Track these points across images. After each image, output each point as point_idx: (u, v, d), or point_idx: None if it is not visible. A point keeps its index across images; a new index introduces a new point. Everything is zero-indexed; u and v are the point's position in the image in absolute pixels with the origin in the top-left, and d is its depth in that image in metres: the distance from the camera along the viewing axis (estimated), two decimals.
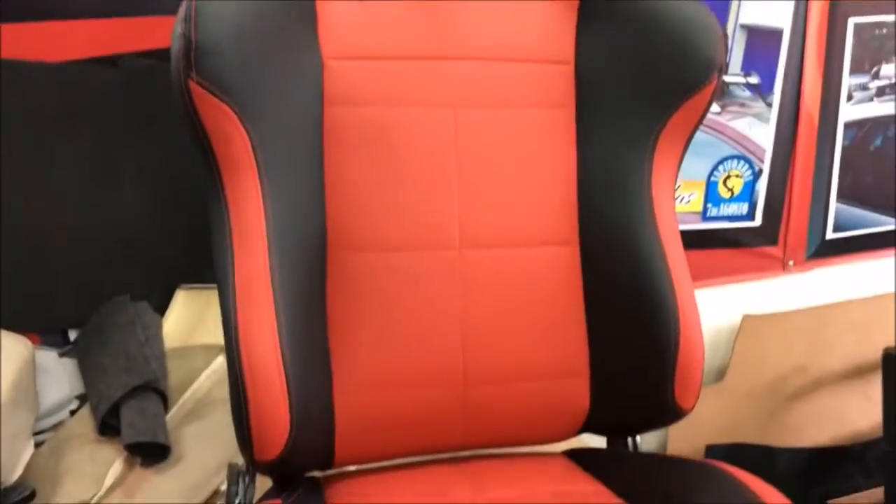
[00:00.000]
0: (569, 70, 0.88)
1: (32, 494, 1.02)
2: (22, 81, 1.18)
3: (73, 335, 1.27)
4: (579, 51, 0.87)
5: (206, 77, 0.69)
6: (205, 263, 1.27)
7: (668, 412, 0.84)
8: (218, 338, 1.25)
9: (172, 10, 1.17)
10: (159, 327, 1.23)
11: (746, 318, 1.51)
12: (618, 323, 0.86)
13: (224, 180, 0.73)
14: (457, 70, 0.85)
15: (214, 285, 1.27)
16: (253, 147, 0.73)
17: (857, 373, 1.57)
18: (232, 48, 0.70)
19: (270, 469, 0.77)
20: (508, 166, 0.86)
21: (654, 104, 0.84)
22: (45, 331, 1.25)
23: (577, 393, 0.88)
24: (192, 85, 0.69)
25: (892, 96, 1.54)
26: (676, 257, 0.84)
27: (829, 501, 1.44)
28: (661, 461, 0.97)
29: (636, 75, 0.85)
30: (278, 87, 0.75)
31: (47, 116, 1.20)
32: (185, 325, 1.29)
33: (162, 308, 1.29)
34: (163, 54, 1.17)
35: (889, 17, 1.49)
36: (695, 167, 1.45)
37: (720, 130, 1.45)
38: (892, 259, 1.62)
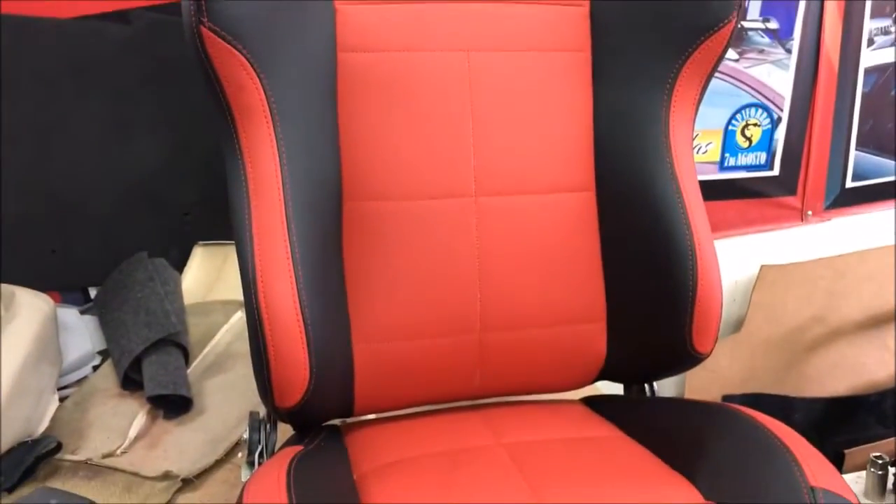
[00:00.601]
0: (584, 12, 0.86)
1: (58, 447, 1.04)
2: (32, 37, 1.17)
3: (93, 293, 1.29)
4: None
5: (218, 22, 0.68)
6: (221, 219, 1.29)
7: (685, 357, 0.83)
8: (236, 293, 1.27)
9: None
10: (178, 283, 1.24)
11: (764, 269, 1.50)
12: (635, 269, 0.86)
13: (238, 129, 0.73)
14: (469, 13, 0.83)
15: (231, 242, 1.29)
16: (266, 94, 0.72)
17: (875, 323, 1.56)
18: None
19: (291, 416, 0.78)
20: (523, 112, 0.85)
21: (671, 45, 0.82)
22: (65, 288, 1.27)
23: (594, 339, 0.88)
24: (204, 31, 0.68)
25: None
26: (694, 202, 0.83)
27: (846, 451, 1.45)
28: (677, 404, 0.97)
29: (653, 16, 0.83)
30: (290, 33, 0.74)
31: (59, 72, 1.20)
32: (203, 281, 1.30)
33: (180, 264, 1.30)
34: (173, 8, 1.18)
35: None
36: (712, 116, 1.43)
37: (738, 78, 1.43)
38: None
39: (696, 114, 0.87)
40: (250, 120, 0.73)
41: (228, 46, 0.69)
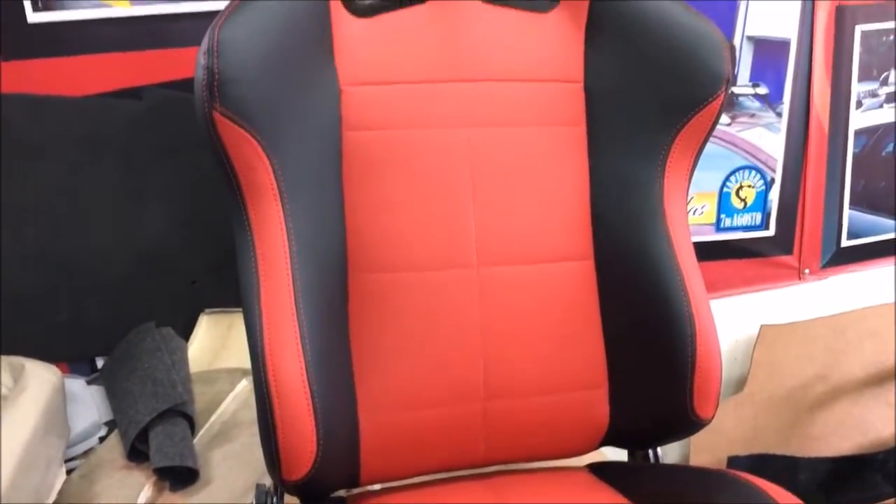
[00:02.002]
0: (578, 88, 0.90)
1: None
2: (48, 115, 1.21)
3: (99, 362, 1.30)
4: (588, 69, 0.89)
5: (229, 107, 0.71)
6: (227, 288, 1.31)
7: (687, 422, 0.84)
8: (241, 361, 1.28)
9: (192, 42, 1.21)
10: (185, 352, 1.25)
11: (764, 328, 1.52)
12: (634, 336, 0.88)
13: (248, 207, 0.75)
14: (469, 91, 0.87)
15: (237, 309, 1.30)
16: (275, 173, 0.75)
17: (878, 380, 1.57)
18: (254, 78, 0.72)
19: (298, 489, 0.79)
20: (523, 184, 0.87)
21: (663, 118, 0.85)
22: (73, 359, 1.28)
23: (597, 405, 0.89)
24: (216, 115, 0.71)
25: None
26: (691, 269, 0.85)
27: None
28: (681, 471, 0.97)
29: (644, 91, 0.86)
30: (298, 113, 0.77)
31: (73, 148, 1.24)
32: (209, 349, 1.31)
33: (186, 333, 1.31)
34: (184, 85, 1.22)
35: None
36: (707, 178, 1.46)
37: (731, 141, 1.46)
38: None
39: (689, 182, 0.90)
40: (260, 198, 0.75)
41: (240, 129, 0.72)
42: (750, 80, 1.45)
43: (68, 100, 1.21)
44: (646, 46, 0.85)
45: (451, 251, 0.85)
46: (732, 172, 1.49)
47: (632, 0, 0.85)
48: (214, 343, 1.33)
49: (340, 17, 0.83)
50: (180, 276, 1.32)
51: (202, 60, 0.71)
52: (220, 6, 1.19)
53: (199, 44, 1.17)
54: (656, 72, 0.85)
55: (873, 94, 1.53)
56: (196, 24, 1.21)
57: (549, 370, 0.87)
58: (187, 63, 1.19)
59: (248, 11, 0.73)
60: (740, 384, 1.54)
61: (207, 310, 1.34)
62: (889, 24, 1.49)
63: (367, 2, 0.84)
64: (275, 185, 0.75)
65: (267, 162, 0.74)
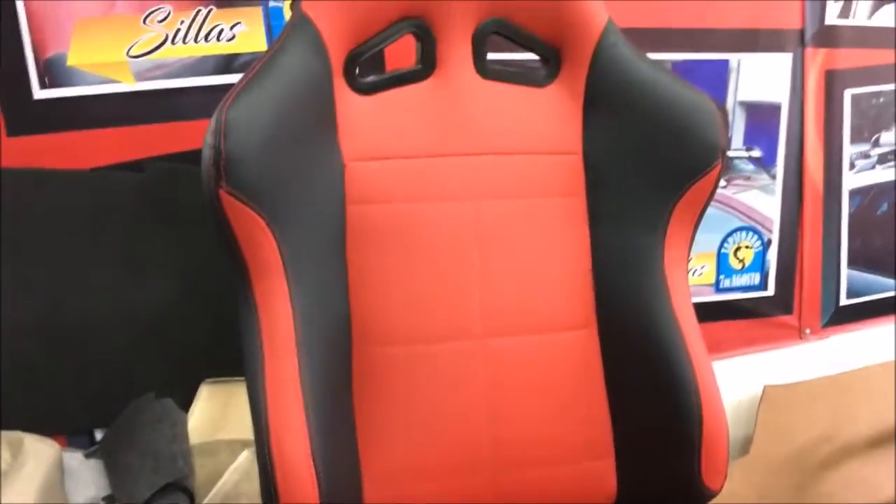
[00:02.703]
0: (577, 160, 0.91)
1: None
2: (52, 188, 1.23)
3: (97, 434, 1.28)
4: (586, 141, 0.91)
5: (236, 186, 0.72)
6: (227, 357, 1.31)
7: (696, 494, 0.83)
8: (242, 431, 1.27)
9: (194, 115, 1.24)
10: (185, 424, 1.24)
11: (768, 389, 1.51)
12: (639, 405, 0.87)
13: (253, 283, 0.76)
14: (470, 165, 0.88)
15: (237, 378, 1.30)
16: (280, 250, 0.75)
17: (884, 440, 1.55)
18: (260, 157, 0.73)
19: None
20: (526, 255, 0.88)
21: (661, 189, 0.87)
22: (72, 432, 1.27)
23: (604, 476, 0.88)
24: (223, 193, 0.72)
25: (894, 163, 1.57)
26: (694, 338, 0.85)
27: None
28: None
29: (642, 162, 0.88)
30: (303, 190, 0.78)
31: (76, 219, 1.25)
32: (209, 420, 1.30)
33: (186, 403, 1.30)
34: (185, 157, 1.24)
35: (885, 87, 1.53)
36: (705, 240, 1.47)
37: (727, 203, 1.48)
38: None
39: (690, 250, 0.91)
40: (265, 274, 0.76)
41: (246, 207, 0.73)
42: (744, 144, 1.47)
43: (72, 173, 1.23)
44: (642, 119, 0.87)
45: (455, 323, 0.85)
46: (730, 233, 1.50)
47: (627, 74, 0.88)
48: (215, 413, 1.31)
49: (343, 95, 0.85)
50: (180, 345, 1.31)
51: (210, 140, 0.72)
52: (220, 80, 1.23)
53: (200, 117, 1.21)
54: (653, 144, 0.86)
55: (865, 156, 1.55)
56: (197, 98, 1.24)
57: (556, 441, 0.86)
58: (189, 136, 1.22)
59: (255, 91, 0.75)
60: (745, 446, 1.52)
61: (208, 379, 1.33)
62: (878, 88, 1.53)
63: (370, 79, 0.86)
64: (280, 262, 0.76)
65: (272, 239, 0.75)
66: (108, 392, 1.27)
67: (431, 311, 0.84)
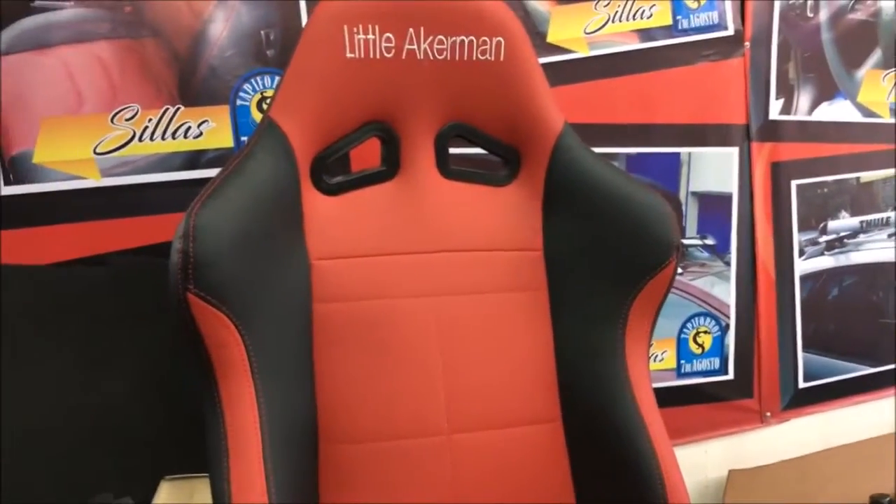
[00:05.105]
0: (538, 255, 0.94)
1: None
2: (8, 283, 1.21)
3: None
4: (547, 237, 0.94)
5: (204, 289, 0.73)
6: (188, 453, 1.28)
7: None
8: None
9: (158, 210, 1.25)
10: None
11: (733, 473, 1.52)
12: (606, 495, 0.88)
13: (219, 383, 0.76)
14: (433, 262, 0.90)
15: (198, 475, 1.27)
16: (247, 350, 0.76)
17: None
18: (228, 260, 0.74)
19: None
20: (489, 349, 0.90)
21: (620, 284, 0.90)
22: None
23: None
24: (190, 296, 0.73)
25: (840, 249, 1.63)
26: (656, 426, 0.87)
27: None
28: None
29: (601, 259, 0.91)
30: (271, 290, 0.79)
31: (34, 316, 1.23)
32: None
33: (145, 502, 1.26)
34: (149, 250, 1.24)
35: (829, 178, 1.61)
36: (665, 325, 1.50)
37: (685, 290, 1.52)
38: (867, 405, 1.66)
39: (649, 341, 0.93)
40: (231, 374, 0.76)
41: (213, 309, 0.73)
42: (697, 232, 1.52)
43: (29, 269, 1.22)
44: (599, 218, 0.90)
45: (421, 419, 0.85)
46: (689, 319, 1.53)
47: (583, 175, 0.91)
48: None
49: (310, 196, 0.87)
50: (139, 442, 1.28)
51: (177, 245, 0.73)
52: (187, 175, 1.25)
53: (166, 211, 1.22)
54: (610, 241, 0.90)
55: (814, 242, 1.61)
56: (164, 192, 1.25)
57: None
58: (154, 230, 1.23)
59: (224, 195, 0.77)
60: None
61: (167, 476, 1.30)
62: (821, 178, 1.60)
63: (336, 181, 0.89)
64: (246, 361, 0.76)
65: (239, 339, 0.75)
66: (64, 491, 1.23)
67: (396, 408, 0.85)
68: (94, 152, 1.22)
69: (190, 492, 1.29)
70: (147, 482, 1.29)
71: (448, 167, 0.93)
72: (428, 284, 0.89)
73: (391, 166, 0.91)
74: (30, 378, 1.23)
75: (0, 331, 1.21)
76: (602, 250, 0.90)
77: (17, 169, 1.20)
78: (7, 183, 1.19)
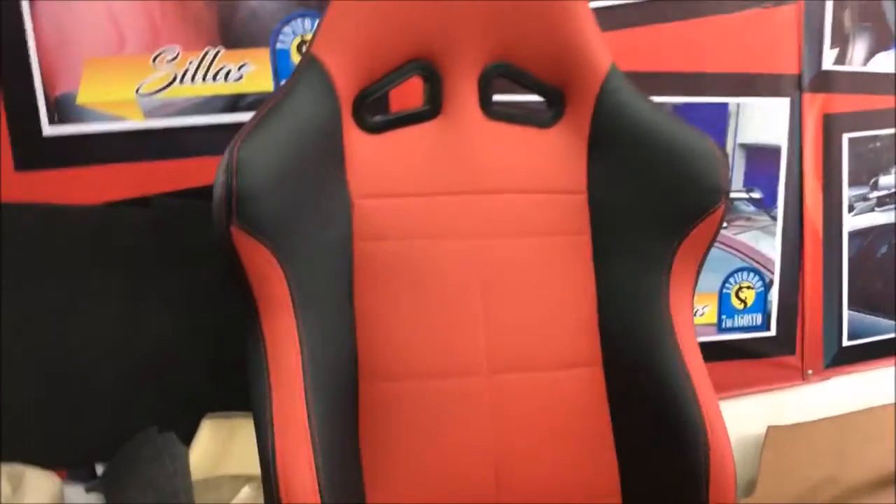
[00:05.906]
0: (582, 199, 0.92)
1: None
2: (56, 223, 1.24)
3: (98, 468, 1.28)
4: (591, 180, 0.92)
5: (247, 222, 0.73)
6: (229, 393, 1.30)
7: None
8: (244, 466, 1.26)
9: (201, 153, 1.25)
10: (187, 458, 1.23)
11: (771, 430, 1.50)
12: (646, 444, 0.87)
13: (262, 317, 0.76)
14: (478, 203, 0.89)
15: (239, 413, 1.29)
16: (289, 285, 0.76)
17: (887, 482, 1.54)
18: (271, 195, 0.74)
19: None
20: (531, 292, 0.89)
21: (665, 230, 0.88)
22: (73, 465, 1.26)
23: None
24: (234, 230, 0.73)
25: (893, 205, 1.58)
26: (699, 373, 0.86)
27: None
28: None
29: (646, 203, 0.89)
30: (312, 226, 0.79)
31: (80, 254, 1.25)
32: (211, 455, 1.29)
33: (188, 437, 1.29)
34: (192, 193, 1.25)
35: (882, 131, 1.56)
36: (706, 280, 1.47)
37: (728, 244, 1.49)
38: None
39: (694, 289, 0.92)
40: (274, 310, 0.76)
41: (256, 243, 0.74)
42: (744, 185, 1.49)
43: (76, 208, 1.24)
44: (646, 161, 0.88)
45: (460, 359, 0.85)
46: (731, 274, 1.51)
47: (631, 117, 0.89)
48: (217, 448, 1.31)
49: (352, 134, 0.86)
50: (182, 380, 1.31)
51: (221, 178, 0.73)
52: (227, 119, 1.25)
53: (207, 154, 1.22)
54: (657, 185, 0.88)
55: (864, 199, 1.56)
56: (205, 135, 1.26)
57: (561, 479, 0.86)
58: (196, 173, 1.24)
59: (266, 130, 0.76)
60: (749, 487, 1.51)
61: (210, 414, 1.32)
62: (875, 132, 1.55)
63: (378, 119, 0.88)
64: (289, 297, 0.76)
65: (282, 274, 0.76)
66: (109, 426, 1.27)
67: (436, 347, 0.85)
68: (137, 93, 1.22)
69: (231, 429, 1.31)
70: (190, 419, 1.32)
71: (491, 107, 0.91)
72: (469, 225, 0.88)
73: (434, 105, 0.90)
74: (76, 316, 1.26)
75: (38, 268, 1.23)
76: (648, 195, 0.89)
77: (62, 109, 1.21)
78: (51, 122, 1.21)
